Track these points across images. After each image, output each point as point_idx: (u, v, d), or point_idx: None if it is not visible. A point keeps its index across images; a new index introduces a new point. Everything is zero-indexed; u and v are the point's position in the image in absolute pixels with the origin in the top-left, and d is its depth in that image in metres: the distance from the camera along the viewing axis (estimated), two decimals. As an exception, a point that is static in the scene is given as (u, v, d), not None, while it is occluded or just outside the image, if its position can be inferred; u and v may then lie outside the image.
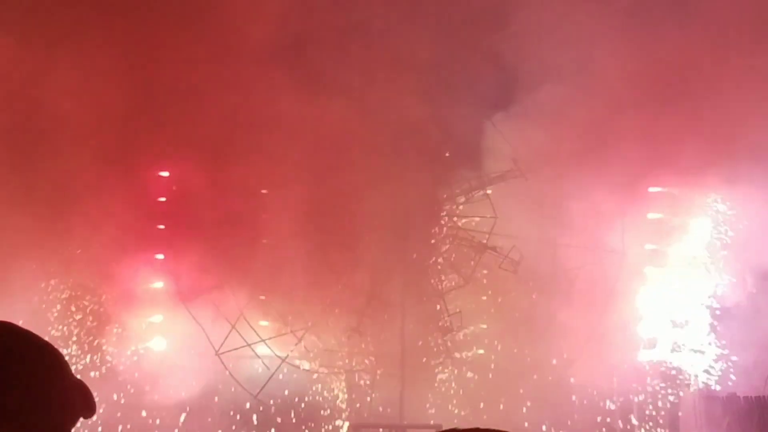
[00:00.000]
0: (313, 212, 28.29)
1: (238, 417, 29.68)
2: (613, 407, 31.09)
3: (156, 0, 28.74)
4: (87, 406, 2.70)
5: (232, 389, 29.81)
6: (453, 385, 30.69)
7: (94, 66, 27.62)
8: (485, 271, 30.67)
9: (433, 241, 31.19)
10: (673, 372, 31.18)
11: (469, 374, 30.71)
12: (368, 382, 30.76)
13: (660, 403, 31.59)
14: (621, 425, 31.61)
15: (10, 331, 2.77)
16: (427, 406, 29.66)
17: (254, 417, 29.21)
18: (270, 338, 29.72)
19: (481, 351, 30.99)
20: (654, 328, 30.86)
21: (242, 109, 28.18)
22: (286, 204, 28.05)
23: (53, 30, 27.86)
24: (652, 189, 30.95)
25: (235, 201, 28.47)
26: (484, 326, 30.89)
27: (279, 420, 29.50)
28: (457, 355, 30.74)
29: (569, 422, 30.24)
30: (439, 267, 31.08)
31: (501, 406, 29.23)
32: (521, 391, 29.83)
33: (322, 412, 30.30)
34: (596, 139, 29.08)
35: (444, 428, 22.36)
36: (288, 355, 29.71)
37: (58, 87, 26.96)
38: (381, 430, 29.63)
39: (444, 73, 30.18)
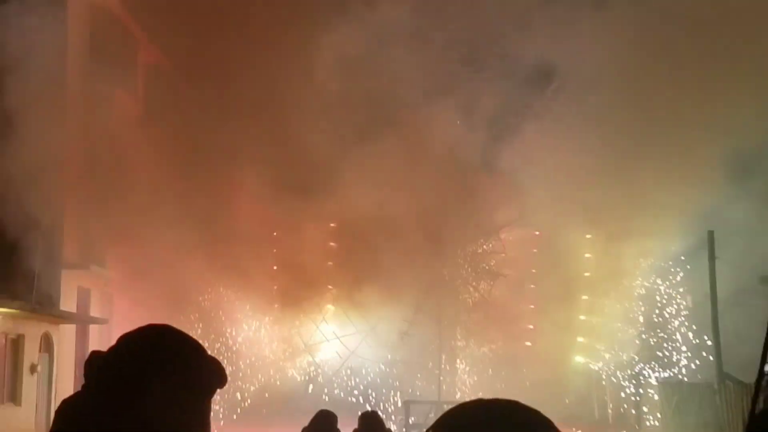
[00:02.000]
0: (382, 258, 34.60)
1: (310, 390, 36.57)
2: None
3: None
4: (221, 379, 2.80)
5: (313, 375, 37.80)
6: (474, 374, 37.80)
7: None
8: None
9: (462, 271, 38.00)
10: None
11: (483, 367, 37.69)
12: (415, 371, 37.41)
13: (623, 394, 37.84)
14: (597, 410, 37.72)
15: (166, 329, 2.97)
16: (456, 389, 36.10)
17: (325, 396, 35.21)
18: (344, 336, 37.27)
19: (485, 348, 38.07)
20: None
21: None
22: (368, 258, 35.16)
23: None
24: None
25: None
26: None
27: (351, 400, 35.28)
28: (476, 353, 37.85)
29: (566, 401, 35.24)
30: (465, 287, 38.06)
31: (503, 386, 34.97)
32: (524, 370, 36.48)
33: (383, 390, 36.80)
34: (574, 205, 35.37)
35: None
36: (355, 349, 36.90)
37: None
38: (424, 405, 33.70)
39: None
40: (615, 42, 35.72)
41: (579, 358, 38.02)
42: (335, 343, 37.39)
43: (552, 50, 36.87)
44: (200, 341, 2.69)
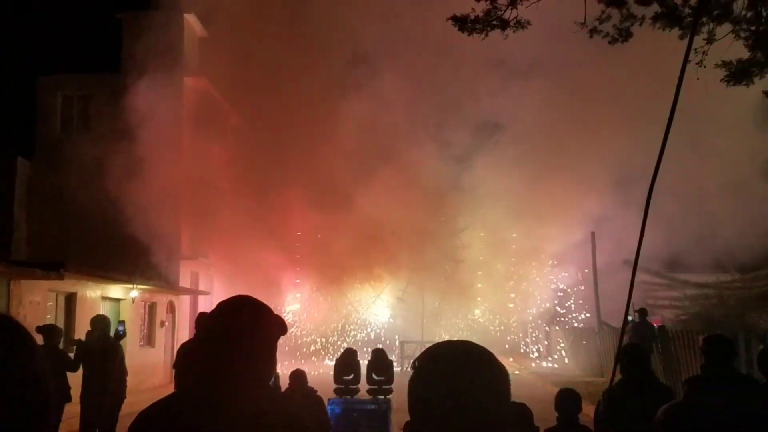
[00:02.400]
0: (387, 250, 35.71)
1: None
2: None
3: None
4: (283, 330, 2.53)
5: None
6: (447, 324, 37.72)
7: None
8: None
9: (437, 257, 37.71)
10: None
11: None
12: (408, 322, 37.71)
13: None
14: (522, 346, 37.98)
15: (246, 297, 2.61)
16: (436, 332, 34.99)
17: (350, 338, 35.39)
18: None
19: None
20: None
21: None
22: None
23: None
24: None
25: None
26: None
27: (366, 340, 35.20)
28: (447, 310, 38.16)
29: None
30: (439, 268, 37.87)
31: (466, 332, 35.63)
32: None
33: (388, 335, 36.60)
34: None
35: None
36: (370, 308, 37.79)
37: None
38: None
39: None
40: (535, 103, 35.72)
41: (513, 317, 38.37)
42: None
43: (494, 112, 37.41)
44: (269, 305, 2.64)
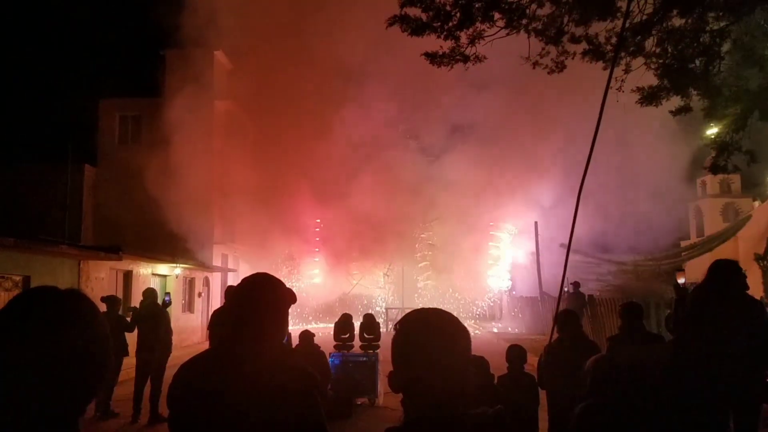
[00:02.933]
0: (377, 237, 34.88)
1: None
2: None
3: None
4: (294, 299, 2.53)
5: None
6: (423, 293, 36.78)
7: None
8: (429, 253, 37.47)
9: (414, 244, 37.69)
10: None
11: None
12: (391, 291, 37.29)
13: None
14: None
15: (265, 274, 2.61)
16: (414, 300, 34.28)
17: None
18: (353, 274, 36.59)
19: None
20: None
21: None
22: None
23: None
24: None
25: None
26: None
27: (359, 306, 33.42)
28: (420, 283, 37.38)
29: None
30: (418, 253, 37.72)
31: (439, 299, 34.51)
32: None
33: (376, 302, 36.14)
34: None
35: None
36: (358, 282, 36.75)
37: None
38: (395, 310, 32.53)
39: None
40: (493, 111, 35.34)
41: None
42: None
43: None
44: (284, 280, 2.65)
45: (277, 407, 2.26)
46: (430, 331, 1.85)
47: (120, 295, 17.53)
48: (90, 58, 57.70)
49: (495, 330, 30.78)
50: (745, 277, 5.90)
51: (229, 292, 6.46)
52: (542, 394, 6.52)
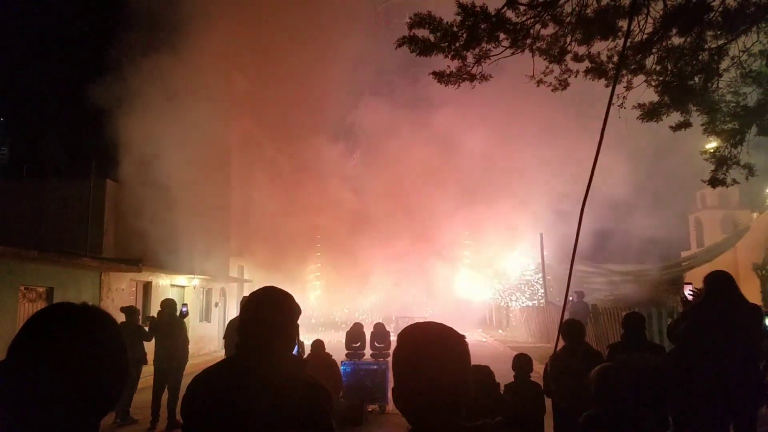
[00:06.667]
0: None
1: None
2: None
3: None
4: (300, 311, 2.54)
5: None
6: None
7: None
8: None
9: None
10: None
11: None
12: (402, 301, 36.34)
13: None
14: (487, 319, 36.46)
15: (276, 289, 2.61)
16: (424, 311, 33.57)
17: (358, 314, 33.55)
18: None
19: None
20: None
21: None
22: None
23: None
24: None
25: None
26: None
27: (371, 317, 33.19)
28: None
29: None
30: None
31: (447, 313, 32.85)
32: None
33: (387, 311, 34.55)
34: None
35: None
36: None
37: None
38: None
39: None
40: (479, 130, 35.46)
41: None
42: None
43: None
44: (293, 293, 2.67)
45: (288, 420, 2.26)
46: (418, 346, 1.84)
47: (139, 305, 17.76)
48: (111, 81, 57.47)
49: (502, 338, 30.34)
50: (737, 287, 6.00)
51: (244, 304, 6.43)
52: (548, 402, 6.47)
